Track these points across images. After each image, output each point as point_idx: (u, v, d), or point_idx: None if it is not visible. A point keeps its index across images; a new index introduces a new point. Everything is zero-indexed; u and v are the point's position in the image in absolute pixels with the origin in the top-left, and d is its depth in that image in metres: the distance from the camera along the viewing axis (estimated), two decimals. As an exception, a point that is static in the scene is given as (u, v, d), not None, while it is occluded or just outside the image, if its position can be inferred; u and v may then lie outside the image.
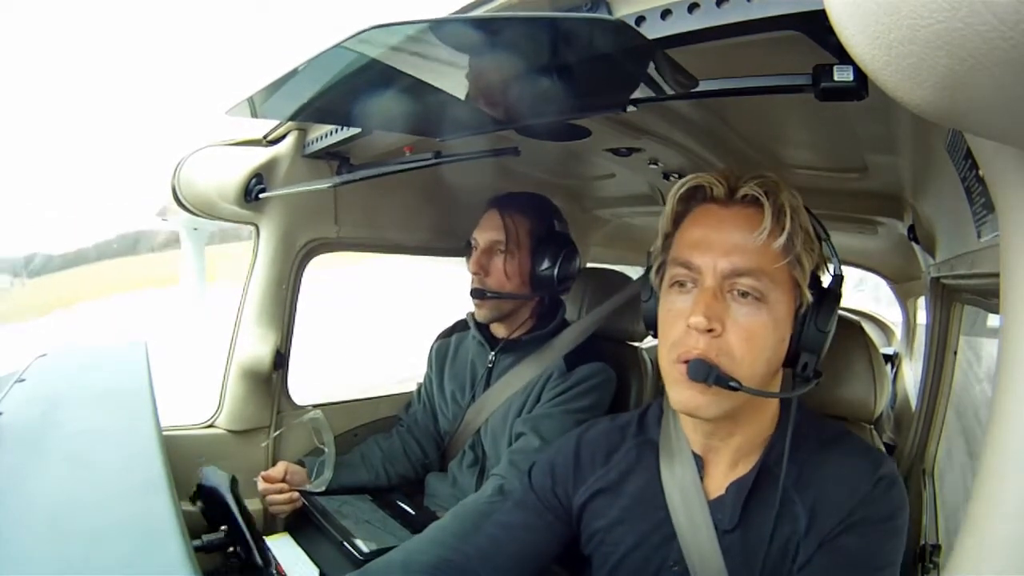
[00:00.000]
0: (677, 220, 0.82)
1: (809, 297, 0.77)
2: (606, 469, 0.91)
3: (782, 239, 0.73)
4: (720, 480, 0.83)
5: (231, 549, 0.86)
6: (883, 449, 0.94)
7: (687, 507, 0.82)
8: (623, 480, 0.89)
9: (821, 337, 0.77)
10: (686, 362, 0.73)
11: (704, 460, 0.84)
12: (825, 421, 0.87)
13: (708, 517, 0.80)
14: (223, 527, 0.87)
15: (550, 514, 0.93)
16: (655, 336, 0.85)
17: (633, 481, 0.89)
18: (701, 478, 0.83)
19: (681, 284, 0.78)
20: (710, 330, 0.73)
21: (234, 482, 0.89)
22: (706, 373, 0.72)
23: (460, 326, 1.58)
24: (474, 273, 1.38)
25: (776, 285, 0.75)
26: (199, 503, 0.91)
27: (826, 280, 0.82)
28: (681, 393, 0.75)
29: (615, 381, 1.38)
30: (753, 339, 0.74)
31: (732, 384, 0.71)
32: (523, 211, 1.40)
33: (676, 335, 0.76)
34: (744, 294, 0.74)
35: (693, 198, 0.81)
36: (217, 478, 0.90)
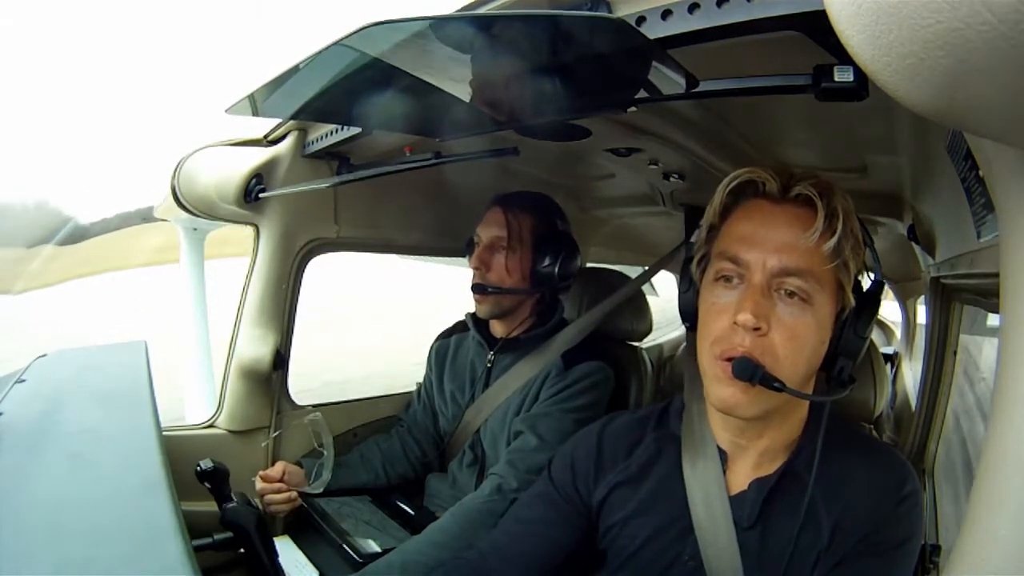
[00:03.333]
0: (725, 213, 0.81)
1: (852, 301, 0.77)
2: (627, 463, 0.90)
3: (832, 241, 0.72)
4: (742, 477, 0.83)
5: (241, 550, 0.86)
6: None
7: (707, 501, 0.81)
8: (643, 473, 0.89)
9: (859, 343, 0.77)
10: (729, 359, 0.73)
11: (728, 456, 0.84)
12: (851, 426, 0.86)
13: (728, 512, 0.80)
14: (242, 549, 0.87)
15: (569, 508, 0.92)
16: (691, 328, 0.84)
17: (653, 475, 0.88)
18: (724, 473, 0.83)
19: (727, 279, 0.77)
20: (757, 328, 0.72)
21: (260, 522, 0.89)
22: (752, 372, 0.71)
23: (460, 327, 1.58)
24: (475, 268, 1.39)
25: (822, 287, 0.74)
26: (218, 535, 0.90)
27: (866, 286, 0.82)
28: (722, 391, 0.74)
29: (613, 380, 1.38)
30: (797, 340, 0.73)
31: (776, 385, 0.71)
32: (526, 209, 1.41)
33: (720, 331, 0.75)
34: (791, 294, 0.73)
35: (743, 192, 0.79)
36: (243, 516, 0.88)
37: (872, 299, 0.78)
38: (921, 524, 0.77)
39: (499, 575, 0.89)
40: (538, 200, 1.47)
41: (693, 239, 0.86)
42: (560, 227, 1.46)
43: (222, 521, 0.87)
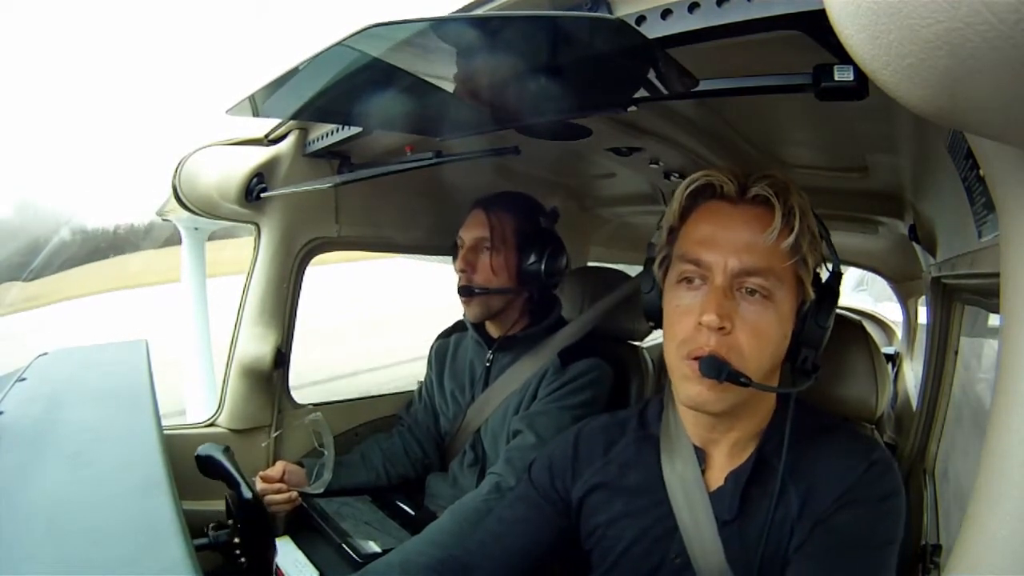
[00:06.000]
0: (684, 215, 0.83)
1: (812, 294, 0.79)
2: (604, 462, 0.92)
3: (790, 239, 0.75)
4: (719, 472, 0.84)
5: (237, 550, 0.86)
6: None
7: (689, 500, 0.83)
8: (623, 475, 0.90)
9: (821, 333, 0.80)
10: (697, 358, 0.75)
11: (705, 453, 0.86)
12: (820, 412, 0.88)
13: (709, 509, 0.82)
14: (229, 515, 0.88)
15: (549, 507, 0.94)
16: (656, 326, 0.86)
17: (634, 476, 0.90)
18: (702, 471, 0.84)
19: (689, 280, 0.79)
20: (721, 328, 0.74)
21: (227, 449, 0.91)
22: (719, 370, 0.73)
23: (459, 326, 1.57)
24: (461, 271, 1.39)
25: (782, 283, 0.77)
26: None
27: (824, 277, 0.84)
28: (691, 388, 0.77)
29: (611, 377, 1.38)
30: (760, 336, 0.76)
31: (743, 380, 0.73)
32: (507, 208, 1.41)
33: (686, 332, 0.77)
34: (752, 292, 0.76)
35: (701, 194, 0.81)
36: (210, 449, 0.91)
37: (831, 290, 0.81)
38: (899, 490, 0.77)
39: (484, 572, 0.92)
40: (519, 199, 1.46)
41: (655, 240, 0.88)
42: (543, 224, 1.45)
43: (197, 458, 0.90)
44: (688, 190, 0.81)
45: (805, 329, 0.80)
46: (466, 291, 1.38)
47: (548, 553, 0.95)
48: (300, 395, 1.53)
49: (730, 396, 0.76)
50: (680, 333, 0.78)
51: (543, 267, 1.38)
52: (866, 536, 0.74)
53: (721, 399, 0.76)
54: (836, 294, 0.81)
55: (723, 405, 0.77)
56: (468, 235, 1.40)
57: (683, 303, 0.79)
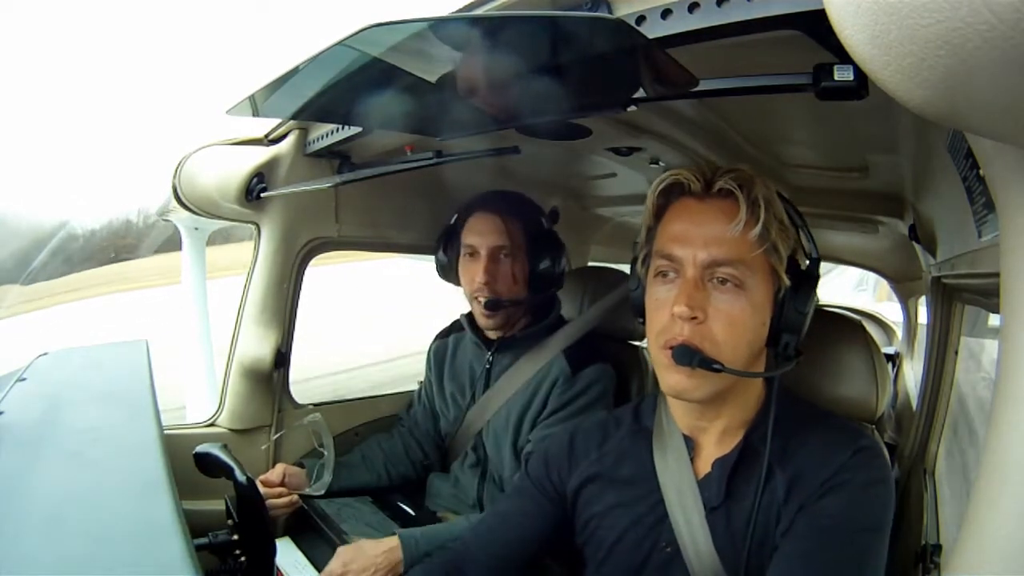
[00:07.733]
0: (658, 214, 0.87)
1: (787, 281, 0.81)
2: (600, 454, 0.94)
3: (757, 229, 0.77)
4: (707, 459, 0.86)
5: (237, 550, 0.86)
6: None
7: (678, 488, 0.85)
8: (617, 466, 0.92)
9: (800, 318, 0.81)
10: (672, 348, 0.77)
11: (694, 442, 0.87)
12: (808, 403, 0.90)
13: (697, 496, 0.84)
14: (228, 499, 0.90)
15: (545, 499, 0.96)
16: (642, 322, 0.89)
17: (627, 467, 0.92)
18: (691, 459, 0.87)
19: (664, 274, 0.82)
20: (693, 318, 0.77)
21: (224, 446, 0.93)
22: (690, 357, 0.76)
23: (458, 326, 1.56)
24: (484, 283, 1.31)
25: (754, 272, 0.79)
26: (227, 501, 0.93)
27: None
28: (670, 377, 0.79)
29: (615, 378, 1.38)
30: (734, 324, 0.78)
31: (715, 366, 0.75)
32: (516, 212, 1.37)
33: (662, 323, 0.80)
34: (723, 281, 0.78)
35: (672, 193, 0.85)
36: (207, 447, 0.93)
37: (809, 276, 0.83)
38: (887, 476, 0.79)
39: (479, 563, 0.94)
40: (523, 200, 1.42)
41: (637, 239, 0.91)
42: (546, 225, 1.42)
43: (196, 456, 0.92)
44: (658, 189, 0.85)
45: (783, 315, 0.82)
46: (494, 305, 1.31)
47: (543, 546, 0.97)
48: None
49: (709, 383, 0.78)
50: (658, 325, 0.81)
51: (556, 270, 1.35)
52: (852, 520, 0.75)
53: (700, 386, 0.78)
54: (814, 279, 0.83)
55: (703, 392, 0.79)
56: (483, 242, 1.32)
57: (659, 296, 0.82)
